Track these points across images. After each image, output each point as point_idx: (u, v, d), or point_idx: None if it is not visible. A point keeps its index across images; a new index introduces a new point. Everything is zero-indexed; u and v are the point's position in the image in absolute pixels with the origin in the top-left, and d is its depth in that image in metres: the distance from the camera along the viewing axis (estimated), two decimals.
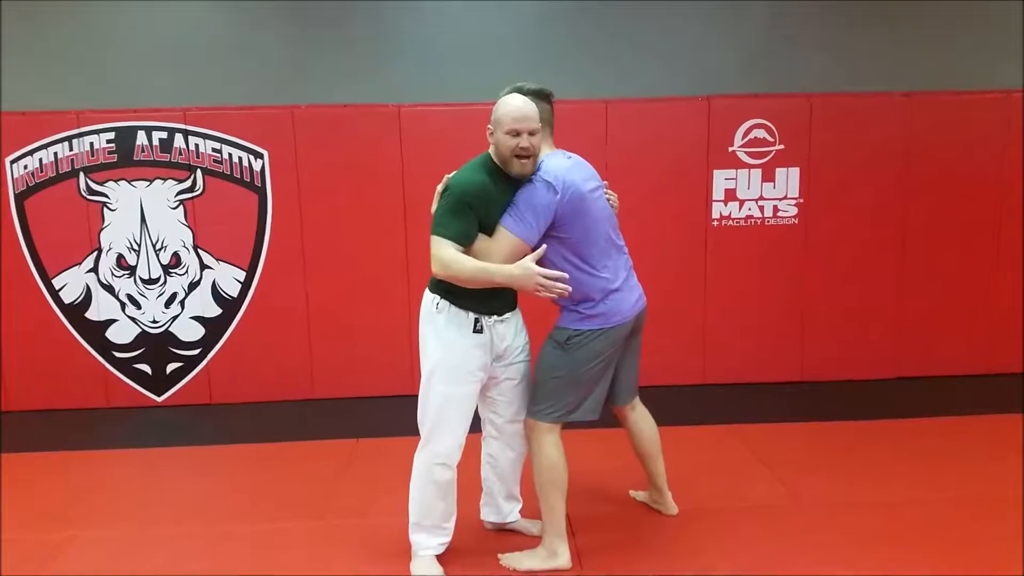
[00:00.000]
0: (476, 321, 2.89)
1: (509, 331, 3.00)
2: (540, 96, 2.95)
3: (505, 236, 2.81)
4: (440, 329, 2.91)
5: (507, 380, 3.06)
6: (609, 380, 3.11)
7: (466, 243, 2.77)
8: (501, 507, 3.34)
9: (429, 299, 2.95)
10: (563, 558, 3.06)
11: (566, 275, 2.69)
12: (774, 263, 5.38)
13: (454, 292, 2.86)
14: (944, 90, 5.42)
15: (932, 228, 5.38)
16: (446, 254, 2.72)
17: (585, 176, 2.96)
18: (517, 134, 2.75)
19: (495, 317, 2.93)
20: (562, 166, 2.88)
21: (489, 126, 2.85)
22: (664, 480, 3.46)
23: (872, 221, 5.35)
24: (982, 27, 5.66)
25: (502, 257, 2.78)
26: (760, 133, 5.21)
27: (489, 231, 2.83)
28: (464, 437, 2.99)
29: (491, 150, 2.89)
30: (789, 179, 5.27)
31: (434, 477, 2.98)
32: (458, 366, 2.90)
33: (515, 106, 2.79)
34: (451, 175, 2.89)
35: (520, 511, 3.38)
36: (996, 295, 5.48)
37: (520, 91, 2.90)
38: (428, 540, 3.08)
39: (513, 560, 3.10)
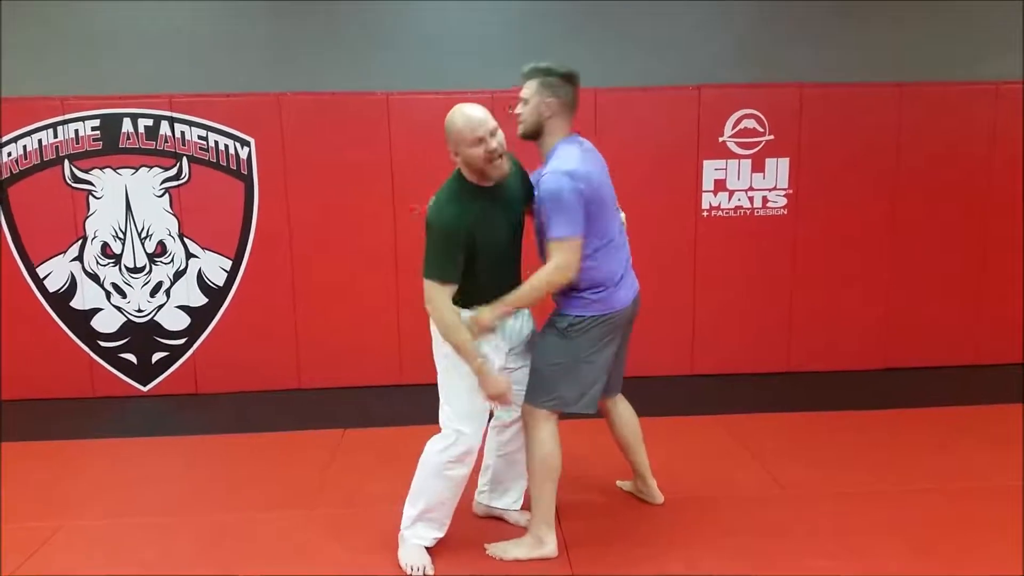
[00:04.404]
0: None
1: (517, 323, 3.03)
2: (566, 77, 2.95)
3: (564, 244, 2.79)
4: None
5: (522, 368, 3.07)
6: (609, 371, 3.09)
7: (451, 280, 2.79)
8: (509, 490, 3.34)
9: None
10: (549, 546, 3.05)
11: (513, 400, 2.96)
12: (763, 254, 5.37)
13: (465, 299, 2.86)
14: (935, 81, 5.41)
15: (922, 218, 5.38)
16: (432, 296, 2.81)
17: (599, 165, 2.97)
18: (482, 140, 2.70)
19: None
20: (576, 157, 2.85)
21: (449, 147, 2.78)
22: (648, 469, 3.46)
23: (862, 211, 5.35)
24: (974, 18, 5.65)
25: (578, 258, 2.82)
26: (750, 123, 5.20)
27: (492, 248, 2.83)
28: (483, 433, 3.00)
29: (461, 169, 2.84)
30: (779, 169, 5.26)
31: (448, 473, 2.96)
32: None
33: (466, 116, 2.74)
34: (430, 206, 2.85)
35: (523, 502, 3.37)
36: (986, 286, 5.48)
37: (535, 72, 2.91)
38: (425, 531, 3.06)
39: (500, 550, 3.09)
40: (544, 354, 3.01)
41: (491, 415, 3.14)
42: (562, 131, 2.95)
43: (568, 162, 2.81)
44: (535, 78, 2.91)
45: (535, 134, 2.94)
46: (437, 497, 3.00)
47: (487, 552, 3.10)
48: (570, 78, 2.94)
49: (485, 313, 2.86)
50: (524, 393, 3.07)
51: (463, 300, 2.86)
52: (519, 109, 2.94)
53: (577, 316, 2.95)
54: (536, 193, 2.90)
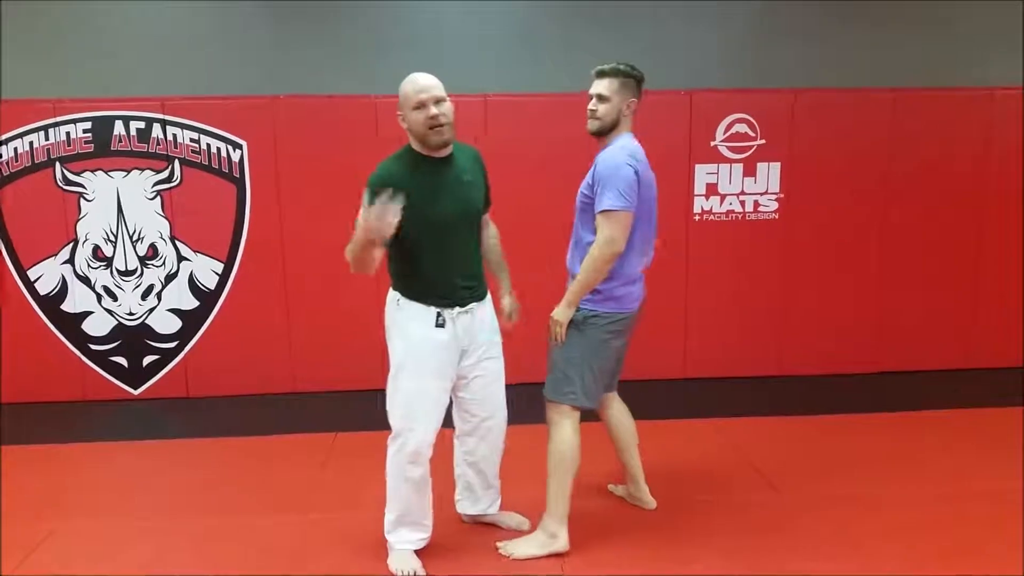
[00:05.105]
0: (438, 315, 2.87)
1: (475, 324, 2.97)
2: (641, 80, 3.05)
3: (613, 217, 2.86)
4: (403, 325, 2.90)
5: (477, 378, 3.04)
6: (612, 370, 3.16)
7: None
8: (480, 498, 3.31)
9: (391, 296, 2.96)
10: (561, 541, 3.07)
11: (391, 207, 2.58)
12: (755, 258, 5.39)
13: (413, 287, 2.87)
14: (929, 87, 5.44)
15: (914, 224, 5.40)
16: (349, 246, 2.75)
17: (649, 170, 3.04)
18: (423, 105, 2.74)
19: (457, 308, 2.91)
20: (635, 147, 2.99)
21: (398, 113, 2.84)
22: (640, 472, 3.46)
23: (854, 216, 5.37)
24: (969, 24, 5.67)
25: (625, 232, 2.88)
26: (741, 128, 5.22)
27: (434, 221, 2.79)
28: (434, 433, 2.96)
29: (409, 139, 2.87)
30: (770, 174, 5.29)
31: (407, 475, 2.96)
32: (423, 361, 2.89)
33: (413, 81, 2.81)
34: None
35: (499, 504, 3.36)
36: (977, 291, 5.52)
37: (617, 72, 2.99)
38: (408, 535, 3.06)
39: (512, 547, 3.09)
40: (564, 347, 3.02)
41: (454, 426, 3.15)
42: (627, 129, 3.06)
43: (628, 147, 2.95)
44: (616, 77, 3.00)
45: (607, 131, 3.03)
46: (406, 500, 3.01)
47: (500, 551, 3.10)
48: (643, 81, 3.06)
49: (560, 314, 2.94)
50: (488, 408, 3.09)
51: (411, 289, 2.87)
52: (595, 106, 3.01)
53: (592, 311, 2.98)
54: (591, 176, 2.98)
